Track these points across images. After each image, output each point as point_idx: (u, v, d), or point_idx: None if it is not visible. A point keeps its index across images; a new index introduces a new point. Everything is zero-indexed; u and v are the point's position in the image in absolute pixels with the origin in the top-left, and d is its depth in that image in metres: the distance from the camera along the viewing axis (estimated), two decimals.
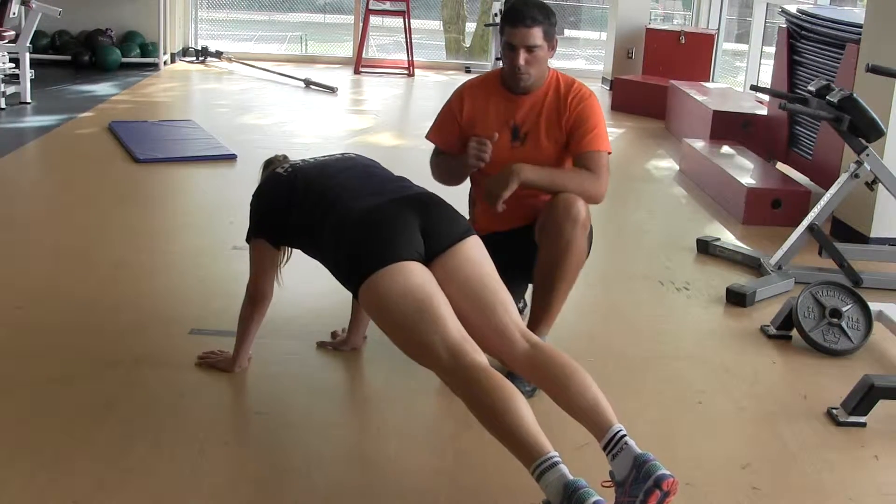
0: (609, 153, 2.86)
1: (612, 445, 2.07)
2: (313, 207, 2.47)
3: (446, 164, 3.00)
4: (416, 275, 2.22)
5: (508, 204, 2.71)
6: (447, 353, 2.12)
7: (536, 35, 2.77)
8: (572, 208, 2.69)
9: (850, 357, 3.12)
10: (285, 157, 2.84)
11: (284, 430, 2.49)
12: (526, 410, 1.99)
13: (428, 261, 2.30)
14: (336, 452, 2.39)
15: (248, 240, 2.72)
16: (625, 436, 2.07)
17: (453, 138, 2.97)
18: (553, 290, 2.77)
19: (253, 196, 2.73)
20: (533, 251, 2.84)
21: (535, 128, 2.88)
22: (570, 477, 1.90)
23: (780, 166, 5.68)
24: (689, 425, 2.66)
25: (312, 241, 2.49)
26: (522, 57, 2.78)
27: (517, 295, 2.96)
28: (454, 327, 2.16)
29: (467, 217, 2.95)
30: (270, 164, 2.84)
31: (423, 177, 2.87)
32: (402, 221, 2.30)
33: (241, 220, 2.84)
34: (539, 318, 2.81)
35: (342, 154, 2.79)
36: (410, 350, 2.22)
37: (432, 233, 2.32)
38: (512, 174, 2.67)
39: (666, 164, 6.18)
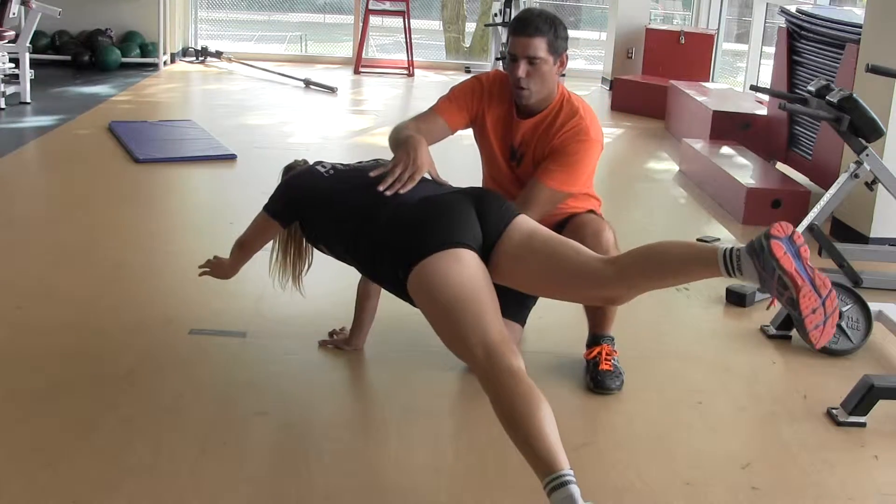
0: (566, 193, 2.75)
1: (729, 265, 2.05)
2: (361, 202, 2.47)
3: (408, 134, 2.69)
4: (469, 265, 2.24)
5: None
6: (483, 351, 2.11)
7: (539, 46, 2.69)
8: (601, 241, 2.71)
9: (850, 357, 3.12)
10: (305, 161, 2.85)
11: (284, 430, 2.49)
12: (549, 423, 1.98)
13: (486, 243, 2.32)
14: (336, 452, 2.39)
15: (265, 210, 2.70)
16: (732, 248, 2.06)
17: (460, 114, 2.84)
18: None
19: (290, 177, 2.72)
20: None
21: (528, 149, 2.83)
22: (580, 502, 1.88)
23: (780, 166, 5.67)
24: (689, 425, 2.66)
25: (353, 232, 2.46)
26: (523, 68, 2.70)
27: (522, 316, 2.92)
28: (495, 327, 2.16)
29: None
30: (292, 169, 2.83)
31: None
32: (461, 208, 2.35)
33: (241, 221, 2.84)
34: (603, 323, 2.89)
35: (376, 160, 2.75)
36: (449, 342, 2.23)
37: (488, 216, 2.35)
38: None
39: (666, 164, 6.18)
